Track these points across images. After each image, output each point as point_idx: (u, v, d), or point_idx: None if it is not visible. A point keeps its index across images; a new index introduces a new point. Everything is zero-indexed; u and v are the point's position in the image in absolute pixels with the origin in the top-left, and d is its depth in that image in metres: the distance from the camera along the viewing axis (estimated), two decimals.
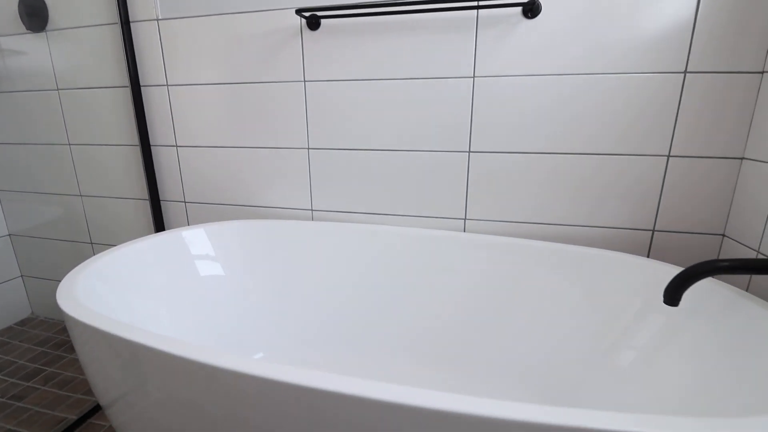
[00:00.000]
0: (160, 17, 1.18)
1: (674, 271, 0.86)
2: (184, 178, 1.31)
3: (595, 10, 0.90)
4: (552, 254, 0.99)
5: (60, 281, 1.18)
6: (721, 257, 0.96)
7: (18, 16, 1.30)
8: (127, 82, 1.24)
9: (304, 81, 1.12)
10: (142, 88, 1.25)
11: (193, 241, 1.12)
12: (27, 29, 1.30)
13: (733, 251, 0.91)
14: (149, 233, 1.38)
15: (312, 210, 1.22)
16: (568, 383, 0.92)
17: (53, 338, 1.50)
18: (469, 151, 1.05)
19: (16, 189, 1.52)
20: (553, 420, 0.45)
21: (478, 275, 1.04)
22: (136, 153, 1.31)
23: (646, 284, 0.88)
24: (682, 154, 0.93)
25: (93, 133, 1.34)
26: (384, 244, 1.11)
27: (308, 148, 1.17)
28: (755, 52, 0.84)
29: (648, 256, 1.01)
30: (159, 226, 1.35)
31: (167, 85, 1.23)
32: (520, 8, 0.93)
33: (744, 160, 0.90)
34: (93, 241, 1.48)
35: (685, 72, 0.88)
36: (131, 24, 1.20)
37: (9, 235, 1.60)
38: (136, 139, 1.30)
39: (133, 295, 0.94)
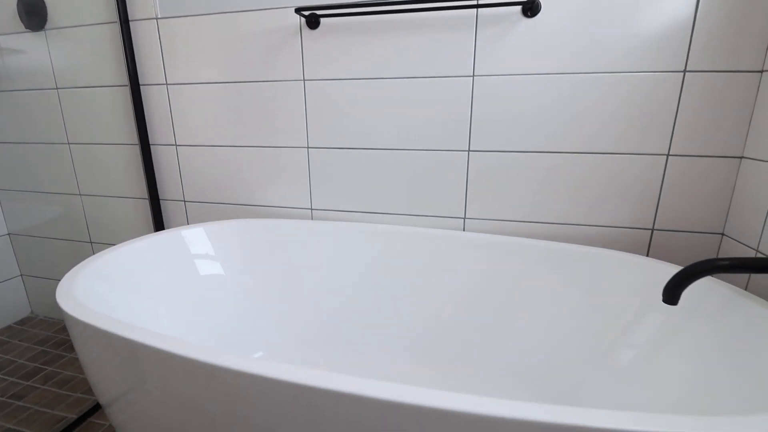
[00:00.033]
0: (159, 16, 1.18)
1: (673, 270, 0.86)
2: (183, 177, 1.31)
3: (595, 9, 0.90)
4: (551, 253, 0.99)
5: (59, 280, 1.18)
6: (720, 256, 0.96)
7: (17, 14, 1.30)
8: (126, 81, 1.24)
9: (304, 80, 1.12)
10: (142, 87, 1.25)
11: (192, 240, 1.12)
12: (26, 28, 1.30)
13: (732, 250, 0.91)
14: (149, 232, 1.38)
15: (312, 209, 1.22)
16: (567, 382, 0.92)
17: (53, 337, 1.50)
18: (469, 150, 1.05)
19: (16, 188, 1.52)
20: (553, 419, 0.45)
21: (478, 275, 1.05)
22: (136, 152, 1.31)
23: (646, 283, 0.88)
24: (681, 153, 0.93)
25: (92, 133, 1.34)
26: (384, 243, 1.11)
27: (308, 147, 1.17)
28: (755, 51, 0.84)
29: (647, 255, 1.01)
30: (158, 225, 1.35)
31: (166, 84, 1.23)
32: (519, 7, 0.93)
33: (743, 159, 0.90)
34: (92, 241, 1.47)
35: (685, 71, 0.89)
36: (130, 23, 1.20)
37: (8, 234, 1.59)
38: (135, 138, 1.30)
39: (133, 294, 0.94)
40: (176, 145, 1.28)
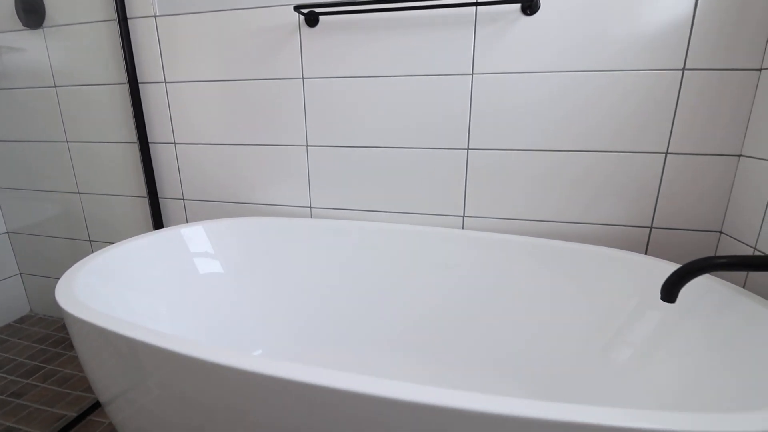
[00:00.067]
0: (157, 14, 1.17)
1: (671, 267, 0.86)
2: (182, 175, 1.31)
3: (594, 7, 0.90)
4: (550, 251, 0.99)
5: (58, 279, 1.19)
6: (718, 254, 0.97)
7: (15, 12, 1.29)
8: (124, 79, 1.24)
9: (303, 78, 1.11)
10: (140, 85, 1.25)
11: (191, 238, 1.12)
12: (24, 26, 1.30)
13: (730, 248, 0.92)
14: (148, 230, 1.38)
15: (311, 207, 1.22)
16: (564, 379, 0.93)
17: (52, 335, 1.50)
18: (468, 148, 1.05)
19: (14, 186, 1.51)
20: (548, 415, 0.45)
21: (476, 272, 1.05)
22: (135, 150, 1.31)
23: (643, 281, 0.88)
24: (679, 151, 0.93)
25: (91, 131, 1.34)
26: (383, 241, 1.11)
27: (307, 146, 1.17)
28: (753, 49, 0.84)
29: (646, 253, 1.01)
30: (158, 223, 1.35)
31: (165, 82, 1.22)
32: (518, 5, 0.93)
33: (741, 157, 0.90)
34: (91, 239, 1.47)
35: (684, 69, 0.89)
36: (129, 20, 1.20)
37: (7, 232, 1.59)
38: (134, 137, 1.29)
39: (132, 292, 0.94)
40: (175, 143, 1.28)
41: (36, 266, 1.60)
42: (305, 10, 1.04)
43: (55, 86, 1.33)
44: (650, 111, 0.93)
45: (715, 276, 0.88)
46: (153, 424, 0.68)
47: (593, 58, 0.92)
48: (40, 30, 1.28)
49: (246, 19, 1.11)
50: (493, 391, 0.97)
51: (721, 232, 0.95)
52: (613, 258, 0.93)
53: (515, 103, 0.99)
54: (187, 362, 0.57)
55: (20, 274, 1.64)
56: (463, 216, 1.11)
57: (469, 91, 1.01)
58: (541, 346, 0.98)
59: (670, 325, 0.81)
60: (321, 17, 1.05)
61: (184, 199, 1.33)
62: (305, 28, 1.07)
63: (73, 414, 1.11)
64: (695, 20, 0.85)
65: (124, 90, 1.26)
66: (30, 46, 1.31)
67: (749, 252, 0.86)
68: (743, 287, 0.86)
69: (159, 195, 1.35)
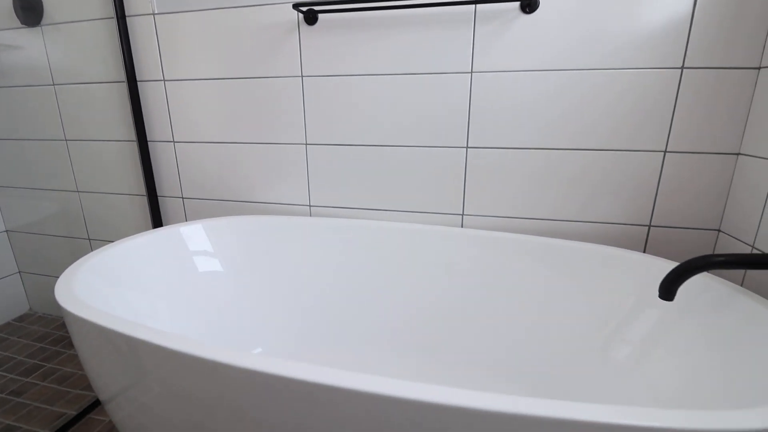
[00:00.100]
0: (156, 12, 1.17)
1: (669, 266, 0.87)
2: (181, 173, 1.31)
3: (593, 5, 0.90)
4: (549, 249, 0.99)
5: (58, 277, 1.18)
6: (716, 252, 0.97)
7: (13, 10, 1.29)
8: (123, 77, 1.24)
9: (302, 76, 1.11)
10: (139, 84, 1.25)
11: (191, 236, 1.12)
12: (22, 24, 1.29)
13: (729, 246, 0.92)
14: (147, 229, 1.38)
15: (310, 206, 1.22)
16: (562, 377, 0.93)
17: (52, 334, 1.50)
18: (467, 147, 1.05)
19: (13, 185, 1.51)
20: (547, 413, 0.45)
21: (475, 270, 1.05)
22: (133, 149, 1.31)
23: (642, 279, 0.88)
24: (678, 149, 0.93)
25: (89, 129, 1.34)
26: (382, 239, 1.11)
27: (306, 144, 1.17)
28: (752, 47, 0.84)
29: (644, 251, 1.01)
30: (157, 221, 1.35)
31: (164, 80, 1.22)
32: (518, 3, 0.93)
33: (740, 156, 0.90)
34: (91, 237, 1.47)
35: (683, 68, 0.89)
36: (127, 18, 1.19)
37: (6, 231, 1.59)
38: (133, 135, 1.29)
39: (132, 290, 0.94)
40: (174, 142, 1.28)
41: (35, 265, 1.60)
42: (304, 8, 1.03)
43: (54, 84, 1.32)
44: (649, 109, 0.93)
45: (713, 274, 0.88)
46: (153, 422, 0.68)
47: (593, 56, 0.92)
48: (38, 28, 1.28)
49: (245, 17, 1.10)
50: (492, 389, 0.98)
51: (719, 231, 0.96)
52: (612, 256, 0.94)
53: (514, 101, 0.99)
54: (187, 360, 0.58)
55: (19, 272, 1.64)
56: (462, 214, 1.11)
57: (468, 89, 1.01)
58: (540, 344, 0.98)
59: (669, 323, 0.81)
60: (320, 15, 1.05)
61: (183, 198, 1.33)
62: (304, 26, 1.07)
63: (72, 412, 1.12)
64: (694, 18, 0.86)
65: (123, 88, 1.26)
66: (28, 44, 1.31)
67: (747, 250, 0.86)
68: (741, 285, 0.86)
69: (158, 193, 1.35)
